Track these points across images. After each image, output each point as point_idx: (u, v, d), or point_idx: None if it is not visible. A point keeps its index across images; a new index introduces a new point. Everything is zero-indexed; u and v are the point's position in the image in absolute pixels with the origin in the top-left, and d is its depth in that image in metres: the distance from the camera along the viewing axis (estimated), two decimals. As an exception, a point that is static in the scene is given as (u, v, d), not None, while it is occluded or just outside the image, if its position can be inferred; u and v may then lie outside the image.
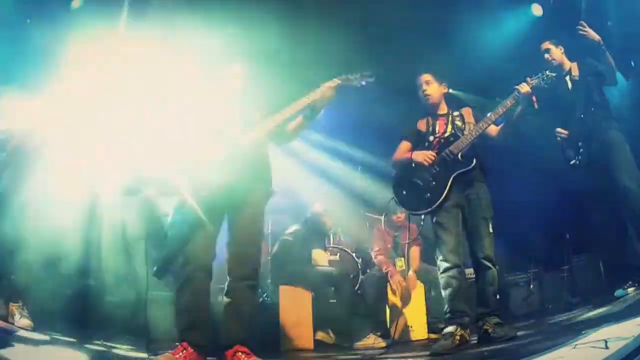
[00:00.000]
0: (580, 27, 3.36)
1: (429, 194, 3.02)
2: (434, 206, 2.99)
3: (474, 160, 3.00)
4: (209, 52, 3.02)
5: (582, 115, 3.42)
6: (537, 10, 4.95)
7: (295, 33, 5.35)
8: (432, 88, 3.20)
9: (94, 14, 3.99)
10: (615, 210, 3.39)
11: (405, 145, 3.29)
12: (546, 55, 3.63)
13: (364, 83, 2.85)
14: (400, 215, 4.62)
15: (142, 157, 3.30)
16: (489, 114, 3.08)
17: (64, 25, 3.96)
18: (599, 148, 3.38)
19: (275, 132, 2.78)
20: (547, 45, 3.65)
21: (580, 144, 3.45)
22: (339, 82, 2.80)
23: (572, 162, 3.51)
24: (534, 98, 3.01)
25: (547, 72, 3.13)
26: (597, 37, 3.36)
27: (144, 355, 2.76)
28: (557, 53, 3.63)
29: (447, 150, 3.03)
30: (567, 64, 3.63)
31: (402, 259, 4.47)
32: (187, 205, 2.52)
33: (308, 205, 5.36)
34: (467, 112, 3.25)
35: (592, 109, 3.41)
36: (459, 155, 3.01)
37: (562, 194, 4.89)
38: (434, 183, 3.02)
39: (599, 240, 4.16)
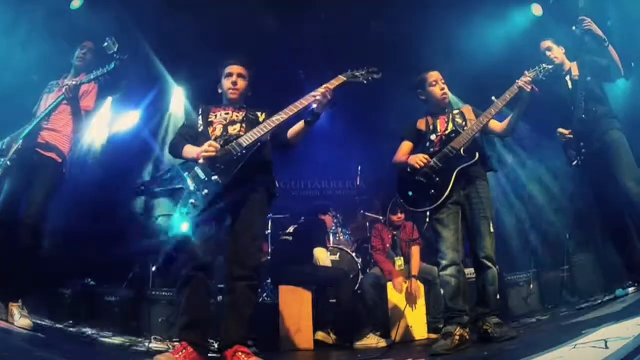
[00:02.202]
0: (585, 22, 3.34)
1: (433, 190, 3.01)
2: (440, 201, 2.97)
3: (477, 155, 3.00)
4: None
5: (583, 116, 3.42)
6: (537, 10, 4.95)
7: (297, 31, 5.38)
8: (447, 87, 3.19)
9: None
10: (616, 210, 3.38)
11: (406, 145, 3.28)
12: (548, 54, 3.61)
13: (370, 80, 2.78)
14: (400, 215, 4.62)
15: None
16: (489, 109, 3.09)
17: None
18: (601, 148, 3.37)
19: (276, 137, 2.76)
20: (548, 44, 3.63)
21: (582, 144, 3.45)
22: (345, 79, 2.74)
23: (574, 163, 3.51)
24: (534, 87, 3.02)
25: (544, 65, 3.13)
26: (600, 32, 3.34)
27: (144, 354, 2.76)
28: (558, 52, 3.61)
29: (449, 146, 3.02)
30: (568, 64, 3.62)
31: (402, 258, 4.46)
32: (189, 203, 2.51)
33: (308, 205, 5.36)
34: (467, 109, 3.24)
35: (593, 109, 3.40)
36: (462, 151, 3.00)
37: (562, 194, 4.90)
38: (437, 179, 3.01)
39: (599, 240, 4.16)
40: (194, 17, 4.94)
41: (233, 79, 2.86)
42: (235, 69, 2.89)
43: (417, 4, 4.89)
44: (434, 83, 3.18)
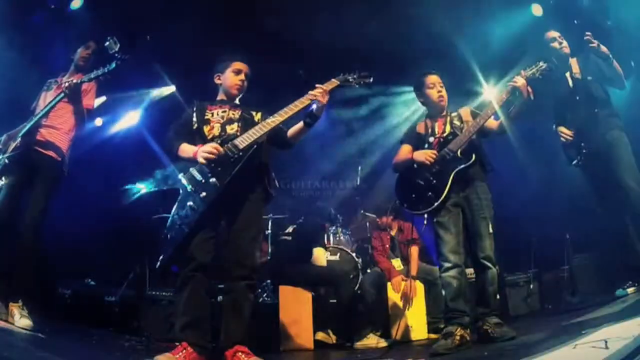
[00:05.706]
0: (589, 39, 3.30)
1: (430, 193, 3.02)
2: (437, 204, 2.97)
3: (474, 156, 3.00)
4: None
5: (583, 115, 3.40)
6: (537, 10, 4.94)
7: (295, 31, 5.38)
8: (444, 90, 3.19)
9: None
10: (616, 210, 3.38)
11: (405, 148, 3.29)
12: (553, 44, 3.56)
13: (362, 83, 2.81)
14: (386, 218, 4.60)
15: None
16: (485, 110, 3.08)
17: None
18: (601, 148, 3.37)
19: (275, 136, 2.76)
20: (553, 34, 3.57)
21: (582, 144, 3.44)
22: (338, 82, 2.76)
23: (573, 163, 3.51)
24: (529, 89, 3.00)
25: (540, 63, 3.11)
26: (605, 49, 3.30)
27: (144, 354, 2.76)
28: (563, 42, 3.56)
29: (446, 149, 3.02)
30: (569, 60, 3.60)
31: (398, 259, 4.46)
32: (187, 205, 2.51)
33: (308, 204, 5.36)
34: (465, 111, 3.24)
35: (595, 110, 3.39)
36: (459, 152, 3.00)
37: (562, 194, 4.89)
38: (434, 182, 3.02)
39: (599, 240, 4.16)
40: (193, 15, 4.94)
41: (242, 76, 2.85)
42: (244, 66, 2.88)
43: (417, 4, 4.89)
44: (432, 86, 3.19)
